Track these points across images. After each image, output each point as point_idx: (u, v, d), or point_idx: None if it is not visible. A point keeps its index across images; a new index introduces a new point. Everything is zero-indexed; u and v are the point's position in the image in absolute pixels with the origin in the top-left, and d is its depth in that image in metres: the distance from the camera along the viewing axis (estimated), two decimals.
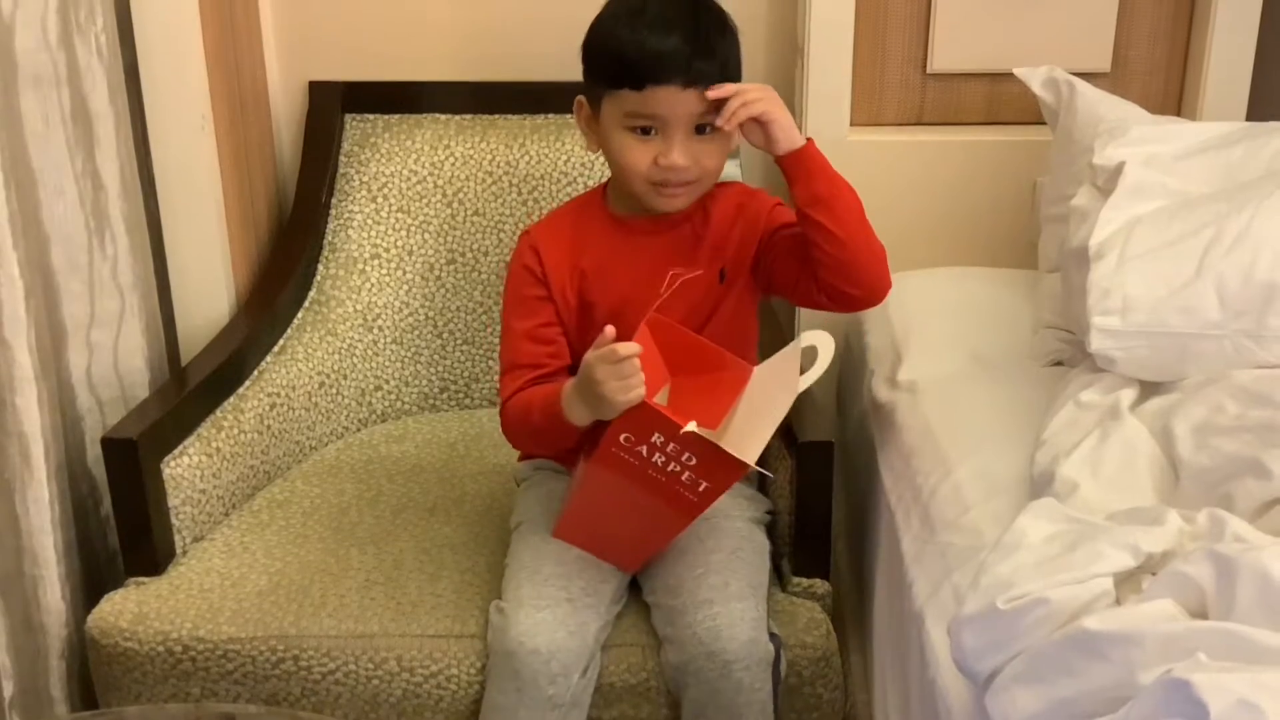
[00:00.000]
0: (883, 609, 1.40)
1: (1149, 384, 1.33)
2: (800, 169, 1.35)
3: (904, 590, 1.26)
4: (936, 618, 1.16)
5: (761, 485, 1.56)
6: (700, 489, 1.25)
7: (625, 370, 1.23)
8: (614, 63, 1.34)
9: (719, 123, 1.32)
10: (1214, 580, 0.93)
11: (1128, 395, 1.30)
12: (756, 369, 1.36)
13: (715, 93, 1.31)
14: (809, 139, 1.36)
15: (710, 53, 1.32)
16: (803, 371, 1.31)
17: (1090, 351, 1.33)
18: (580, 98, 1.41)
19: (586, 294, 1.43)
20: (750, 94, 1.31)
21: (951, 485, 1.32)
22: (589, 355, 1.25)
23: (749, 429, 1.28)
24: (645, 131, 1.35)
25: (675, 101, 1.32)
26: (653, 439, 1.23)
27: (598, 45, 1.37)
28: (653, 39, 1.31)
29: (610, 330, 1.25)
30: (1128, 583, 0.99)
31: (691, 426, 1.20)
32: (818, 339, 1.32)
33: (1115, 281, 1.32)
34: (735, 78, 1.36)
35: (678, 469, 1.24)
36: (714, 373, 1.34)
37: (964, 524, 1.25)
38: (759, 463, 1.26)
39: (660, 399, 1.28)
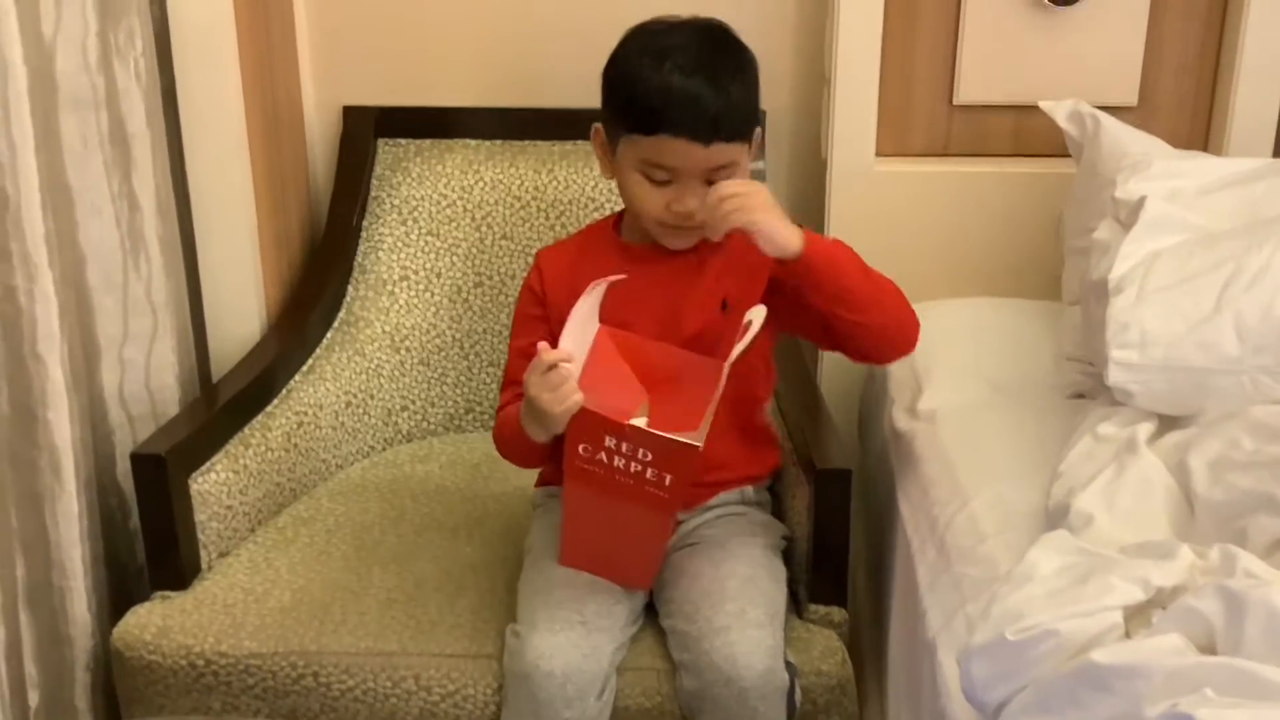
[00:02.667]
0: (898, 638, 1.40)
1: (1167, 418, 1.33)
2: (802, 274, 1.31)
3: (918, 619, 1.26)
4: (949, 647, 1.16)
5: (777, 510, 1.56)
6: (666, 482, 1.25)
7: (554, 380, 1.25)
8: (633, 108, 1.34)
9: (709, 237, 1.33)
10: (1223, 616, 0.94)
11: (1145, 429, 1.30)
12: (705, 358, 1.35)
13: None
14: (805, 235, 1.31)
15: (728, 107, 1.31)
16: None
17: (1108, 384, 1.33)
18: (597, 125, 1.42)
19: None
20: (732, 201, 1.28)
21: (968, 516, 1.32)
22: (524, 373, 1.28)
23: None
24: (660, 180, 1.35)
25: (691, 155, 1.31)
26: (606, 443, 1.24)
27: (618, 85, 1.37)
28: (673, 83, 1.30)
29: (543, 345, 1.27)
30: (1137, 616, 1.00)
31: (639, 422, 1.23)
32: (754, 314, 1.30)
33: (1134, 316, 1.33)
34: (751, 127, 1.36)
35: (640, 468, 1.25)
36: (688, 377, 1.34)
37: (979, 555, 1.25)
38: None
39: (641, 413, 1.29)
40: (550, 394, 1.26)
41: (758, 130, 1.41)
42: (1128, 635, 0.98)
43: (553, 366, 1.26)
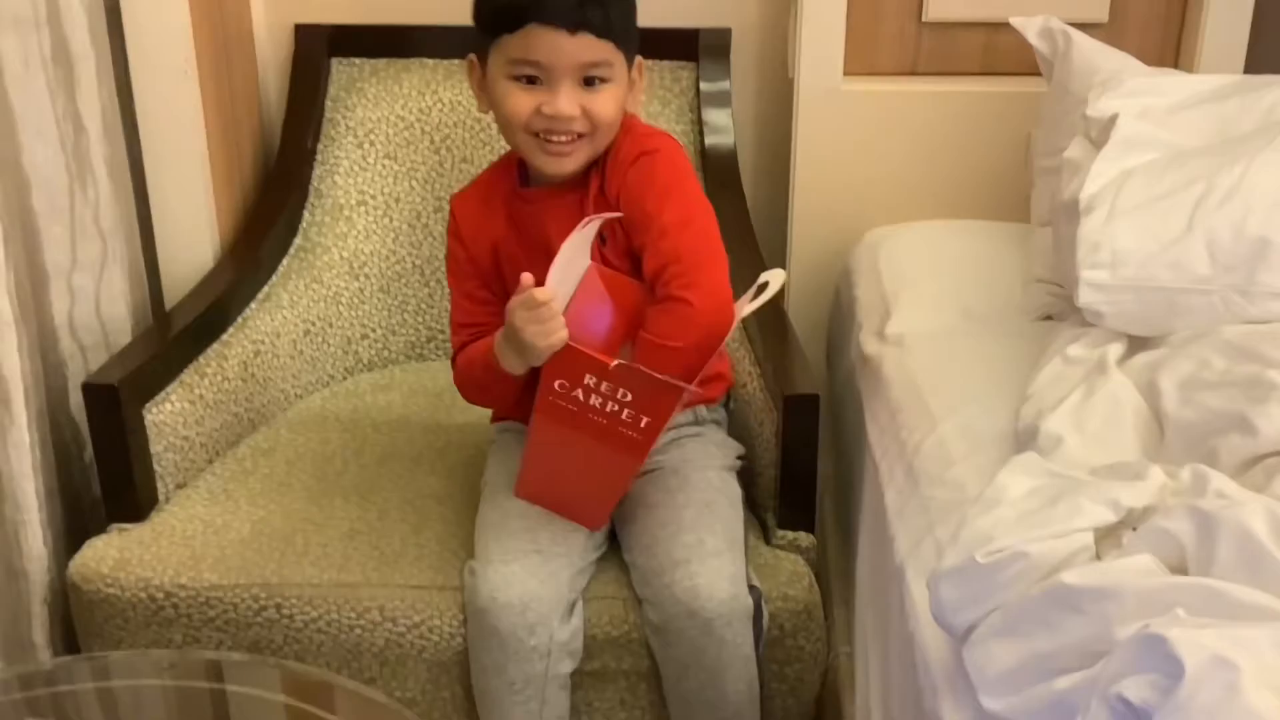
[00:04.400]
0: (865, 562, 1.40)
1: (1137, 339, 1.32)
2: None
3: (886, 544, 1.25)
4: (917, 572, 1.15)
5: (735, 429, 1.54)
6: (642, 424, 1.23)
7: (544, 315, 1.22)
8: (496, 6, 1.30)
9: None
10: (1194, 536, 0.93)
11: (1115, 350, 1.28)
12: None
13: None
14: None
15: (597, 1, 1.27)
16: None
17: (1078, 305, 1.31)
18: (472, 56, 1.37)
19: (502, 262, 1.41)
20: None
21: (936, 440, 1.31)
22: (511, 301, 1.24)
23: None
24: (531, 81, 1.30)
25: (559, 47, 1.27)
26: (585, 381, 1.22)
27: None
28: None
29: (528, 277, 1.23)
30: (1108, 538, 0.99)
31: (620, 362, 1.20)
32: (772, 275, 1.28)
33: (1105, 235, 1.31)
34: (624, 36, 1.31)
35: (616, 408, 1.23)
36: None
37: (947, 479, 1.24)
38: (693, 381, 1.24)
39: (624, 356, 1.26)
40: (538, 327, 1.22)
41: (639, 59, 1.36)
42: (1098, 557, 0.97)
43: (545, 302, 1.22)
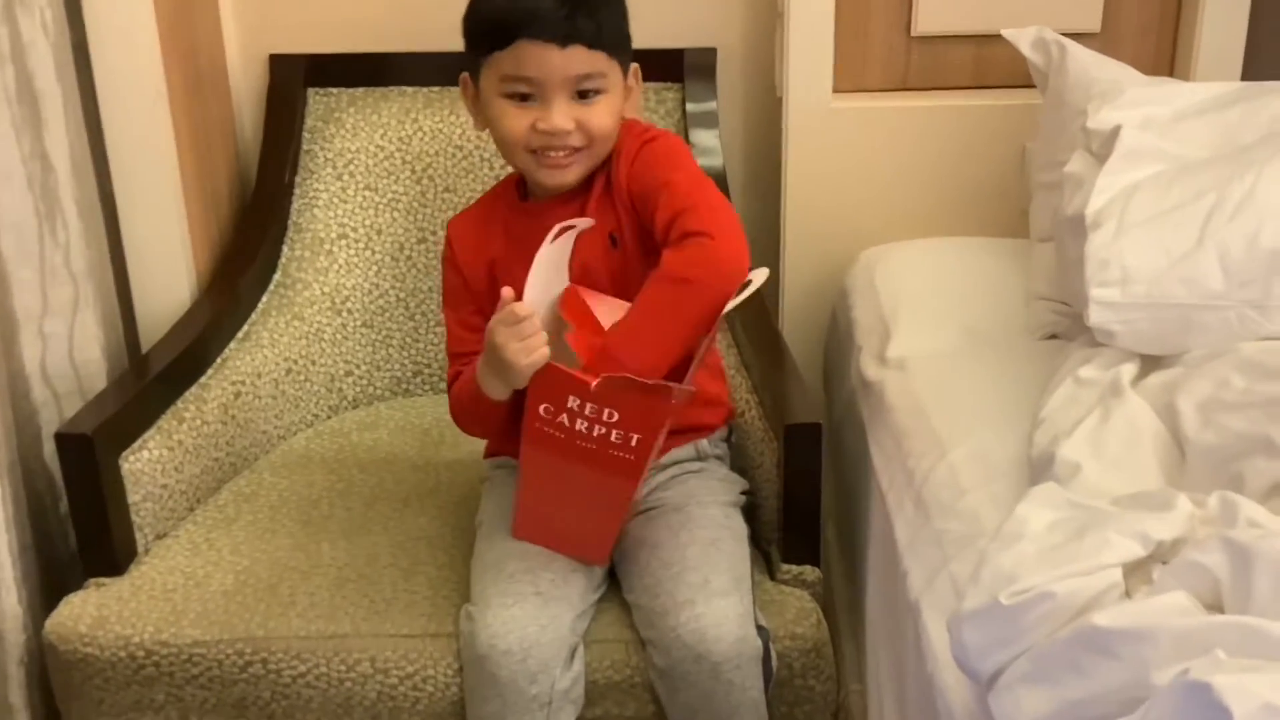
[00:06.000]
0: (876, 598, 1.34)
1: (1150, 358, 1.27)
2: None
3: (898, 579, 1.20)
4: (933, 609, 1.10)
5: (737, 462, 1.49)
6: (633, 443, 1.18)
7: (525, 330, 1.18)
8: (485, 24, 1.28)
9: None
10: (1229, 569, 0.88)
11: (1128, 370, 1.24)
12: None
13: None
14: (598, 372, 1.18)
15: (588, 10, 1.25)
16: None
17: (1089, 325, 1.27)
18: (464, 74, 1.35)
19: (498, 282, 1.36)
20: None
21: (946, 468, 1.26)
22: (491, 321, 1.21)
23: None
24: (524, 98, 1.28)
25: (549, 61, 1.25)
26: (569, 404, 1.17)
27: (472, 13, 1.31)
28: None
29: (508, 292, 1.20)
30: (1137, 573, 0.94)
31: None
32: (756, 274, 1.23)
33: (1113, 251, 1.26)
34: (617, 45, 1.29)
35: (604, 430, 1.18)
36: None
37: (960, 509, 1.19)
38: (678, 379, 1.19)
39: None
40: (519, 344, 1.18)
41: (634, 66, 1.34)
42: (1128, 594, 0.92)
43: (526, 318, 1.19)
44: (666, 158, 1.32)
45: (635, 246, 1.32)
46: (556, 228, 1.27)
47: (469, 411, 1.36)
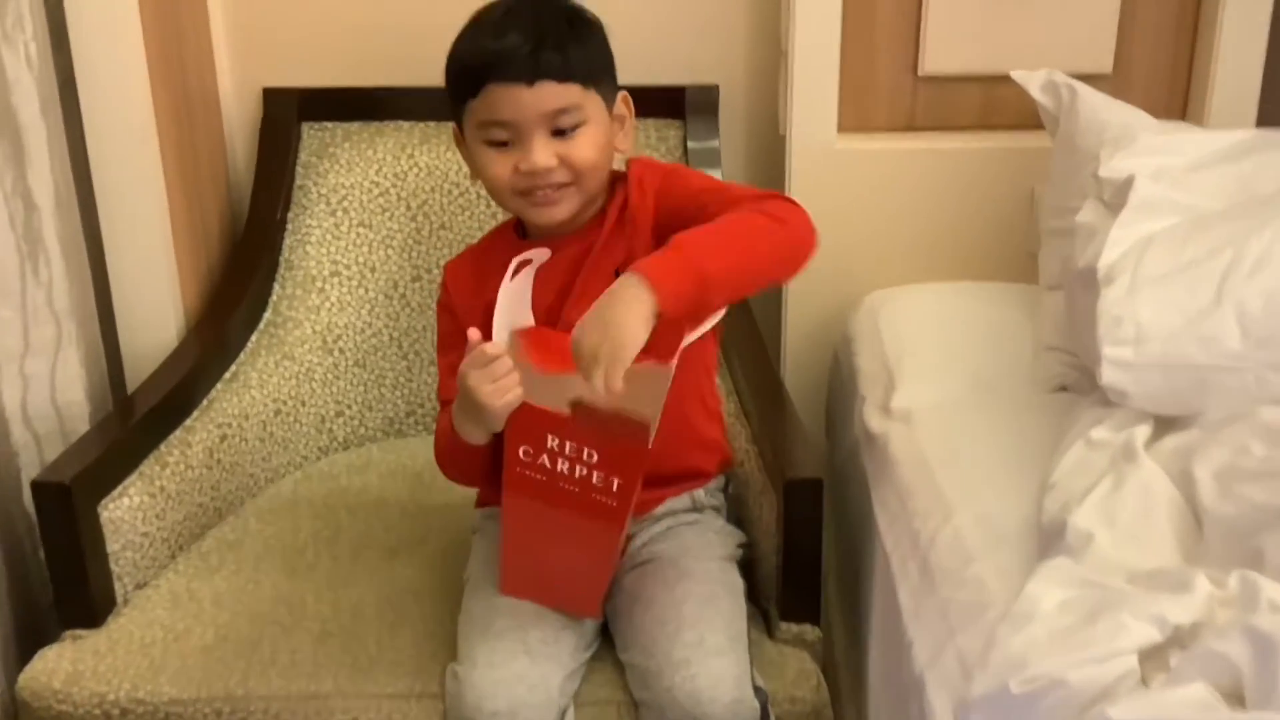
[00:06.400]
0: (879, 666, 1.30)
1: (1165, 419, 1.23)
2: (679, 321, 1.16)
3: (902, 650, 1.15)
4: (938, 685, 1.05)
5: (733, 519, 1.45)
6: (615, 488, 1.15)
7: (497, 371, 1.15)
8: (455, 73, 1.27)
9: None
10: (1251, 660, 0.84)
11: (1142, 433, 1.19)
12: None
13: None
14: (655, 298, 1.11)
15: (554, 45, 1.22)
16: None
17: (1101, 384, 1.23)
18: (454, 127, 1.33)
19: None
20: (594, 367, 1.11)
21: (952, 532, 1.22)
22: (462, 364, 1.17)
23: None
24: (504, 144, 1.26)
25: (519, 101, 1.22)
26: (549, 444, 1.14)
27: (447, 68, 1.29)
28: (486, 40, 1.24)
29: (474, 333, 1.17)
30: (1154, 658, 0.89)
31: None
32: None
33: (1127, 309, 1.22)
34: (590, 75, 1.26)
35: (585, 472, 1.15)
36: (632, 379, 1.20)
37: (967, 578, 1.14)
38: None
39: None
40: (492, 385, 1.15)
41: (622, 93, 1.31)
42: (1144, 682, 0.88)
43: (496, 358, 1.15)
44: (700, 175, 1.35)
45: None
46: (514, 262, 1.24)
47: (451, 458, 1.32)
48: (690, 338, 1.17)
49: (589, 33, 1.29)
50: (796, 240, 1.23)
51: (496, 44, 1.23)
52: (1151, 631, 0.88)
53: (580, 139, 1.25)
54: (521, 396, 1.15)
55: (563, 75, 1.23)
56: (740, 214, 1.20)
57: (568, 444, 1.14)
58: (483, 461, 1.27)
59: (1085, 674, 0.86)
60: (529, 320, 1.28)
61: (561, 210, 1.28)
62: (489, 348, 1.15)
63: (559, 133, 1.25)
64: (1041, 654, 0.88)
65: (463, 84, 1.26)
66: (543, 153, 1.24)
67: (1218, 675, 0.85)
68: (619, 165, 1.34)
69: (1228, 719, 0.80)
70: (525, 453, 1.16)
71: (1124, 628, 0.88)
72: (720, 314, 1.20)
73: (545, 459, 1.15)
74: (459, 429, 1.23)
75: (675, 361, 1.13)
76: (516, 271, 1.25)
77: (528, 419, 1.15)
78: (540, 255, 1.29)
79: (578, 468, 1.14)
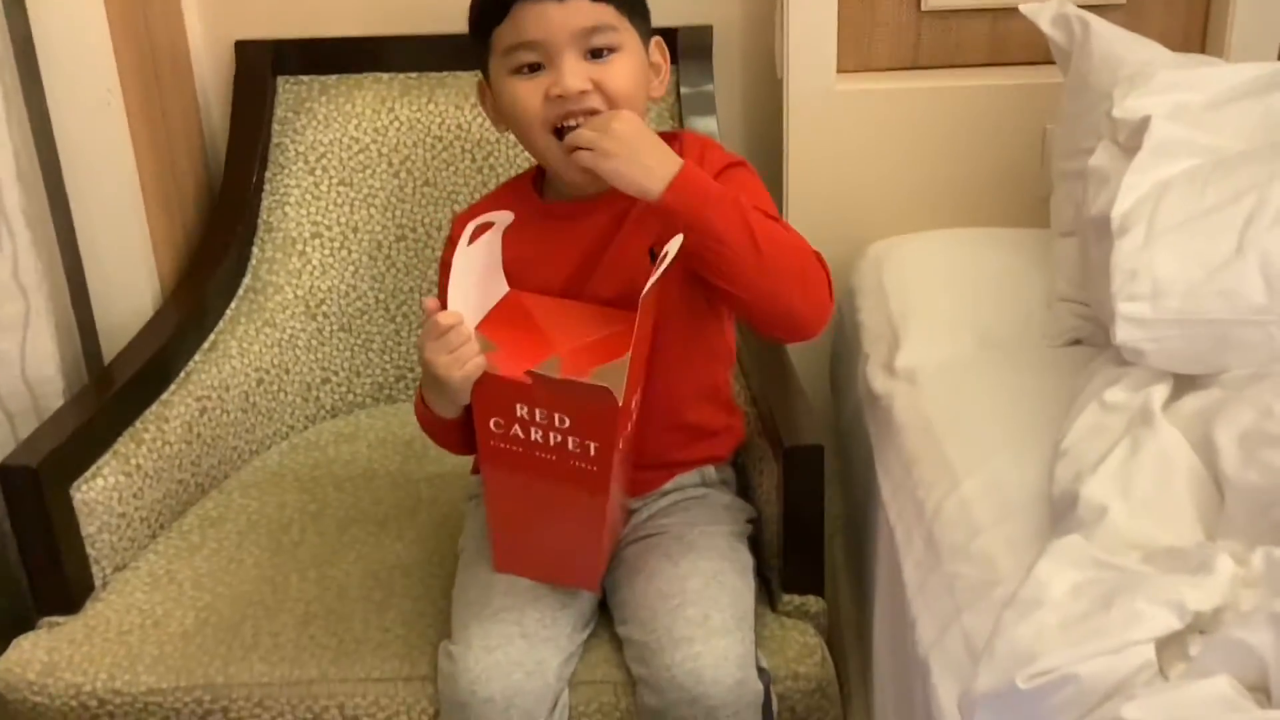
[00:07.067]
0: (884, 641, 1.24)
1: (1184, 377, 1.16)
2: (666, 221, 1.12)
3: (906, 628, 1.10)
4: (944, 669, 1.00)
5: (742, 490, 1.39)
6: (591, 452, 1.09)
7: (453, 341, 1.09)
8: (482, 3, 1.19)
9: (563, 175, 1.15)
10: (1276, 650, 0.77)
11: (1160, 393, 1.12)
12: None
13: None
14: (677, 180, 1.11)
15: None
16: None
17: (1115, 343, 1.15)
18: (479, 79, 1.25)
19: (518, 286, 1.25)
20: (582, 153, 1.13)
21: (958, 501, 1.15)
22: (419, 336, 1.12)
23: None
24: (533, 69, 1.17)
25: (549, 17, 1.14)
26: (518, 413, 1.09)
27: (471, 3, 1.21)
28: None
29: (429, 302, 1.11)
30: (1172, 645, 0.83)
31: (542, 368, 1.07)
32: (671, 244, 1.11)
33: (1143, 261, 1.15)
34: (625, 1, 1.18)
35: (560, 438, 1.09)
36: (610, 333, 1.15)
37: (973, 551, 1.08)
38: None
39: (551, 366, 1.11)
40: (448, 356, 1.09)
41: (656, 39, 1.24)
42: (1162, 673, 0.81)
43: (450, 328, 1.09)
44: (755, 191, 1.22)
45: (675, 268, 1.17)
46: (470, 227, 1.16)
47: (429, 431, 1.26)
48: (651, 280, 1.09)
49: None
50: (800, 316, 1.16)
51: None
52: (1170, 619, 0.82)
53: (615, 64, 1.17)
54: (482, 366, 1.10)
55: None
56: (794, 250, 1.14)
57: (537, 411, 1.08)
58: (460, 433, 1.21)
59: (1097, 667, 0.80)
60: (502, 288, 1.21)
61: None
62: (443, 317, 1.09)
63: (593, 55, 1.16)
64: (1051, 645, 0.82)
65: (487, 11, 1.18)
66: (574, 74, 1.15)
67: (1242, 667, 0.78)
68: (660, 126, 1.25)
69: (1251, 719, 0.73)
70: (496, 424, 1.11)
71: (1140, 616, 0.82)
72: (671, 259, 1.11)
73: (518, 429, 1.10)
74: (429, 403, 1.17)
75: (620, 389, 1.06)
76: (475, 236, 1.17)
77: (493, 389, 1.10)
78: (504, 218, 1.21)
79: (551, 435, 1.09)
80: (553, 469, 1.11)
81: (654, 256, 1.15)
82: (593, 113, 1.16)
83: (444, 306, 1.12)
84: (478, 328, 1.15)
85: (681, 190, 1.11)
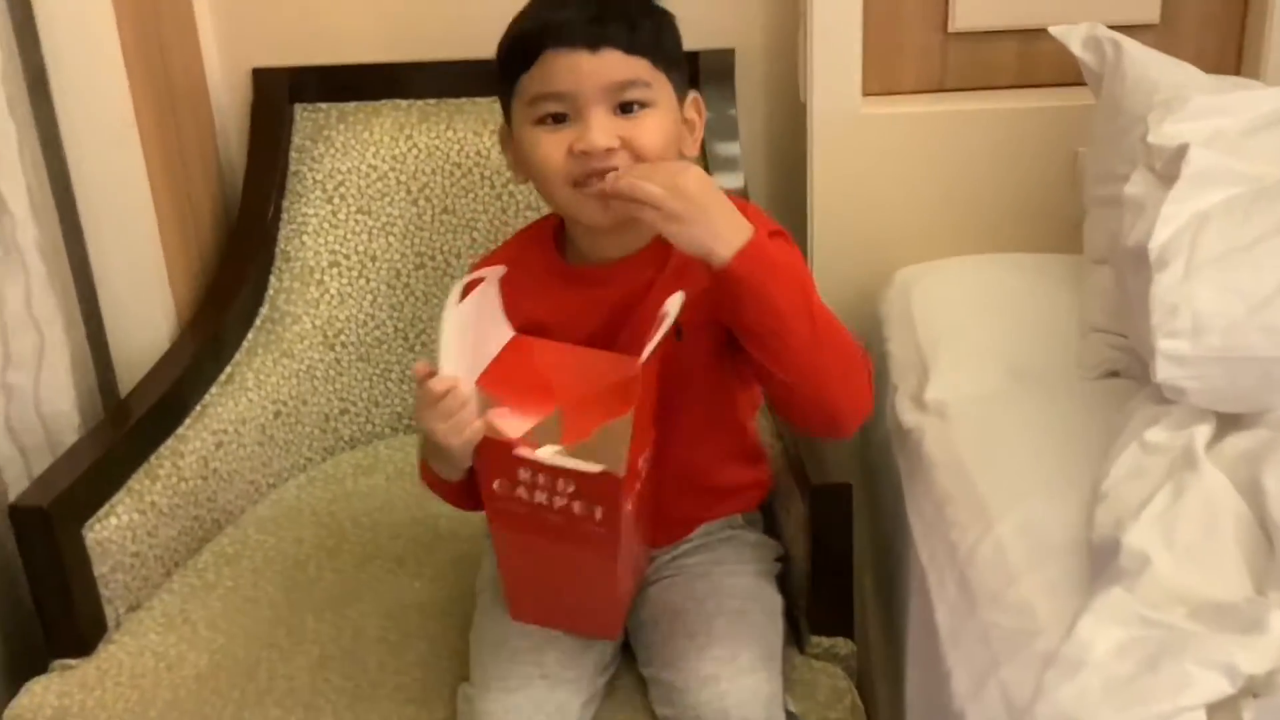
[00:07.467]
0: (917, 690, 1.20)
1: (1227, 416, 1.12)
2: (727, 290, 1.05)
3: (941, 679, 1.06)
4: None
5: (770, 528, 1.36)
6: (597, 517, 1.05)
7: (450, 406, 1.05)
8: (509, 45, 1.14)
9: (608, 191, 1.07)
10: None
11: (1203, 433, 1.08)
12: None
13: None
14: (748, 248, 1.03)
15: (622, 15, 1.09)
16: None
17: (1155, 381, 1.12)
18: (502, 123, 1.20)
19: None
20: (649, 212, 1.04)
21: (993, 544, 1.11)
22: (415, 403, 1.08)
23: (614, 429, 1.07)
24: (557, 120, 1.11)
25: (579, 69, 1.08)
26: (521, 476, 1.05)
27: (500, 50, 1.16)
28: (546, 10, 1.12)
29: (420, 366, 1.07)
30: (1223, 711, 0.79)
31: (541, 453, 1.04)
32: (670, 303, 1.07)
33: (1183, 295, 1.11)
34: (661, 55, 1.12)
35: (565, 502, 1.05)
36: (610, 379, 1.11)
37: (1010, 599, 1.04)
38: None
39: (552, 423, 1.08)
40: (445, 425, 1.06)
41: (694, 95, 1.18)
42: None
43: (445, 393, 1.05)
44: (805, 264, 1.17)
45: (703, 337, 1.14)
46: (457, 286, 1.11)
47: (438, 491, 1.21)
48: (650, 345, 1.05)
49: (661, 16, 1.16)
50: (863, 392, 1.12)
51: (556, 13, 1.10)
52: (1221, 682, 0.78)
53: (646, 120, 1.11)
54: (480, 431, 1.06)
55: (630, 46, 1.09)
56: (845, 346, 1.10)
57: (540, 475, 1.04)
58: (466, 493, 1.17)
59: None
60: (505, 334, 1.16)
61: (618, 207, 1.10)
62: (435, 384, 1.05)
63: (623, 110, 1.11)
64: (1095, 709, 0.78)
65: (515, 57, 1.12)
66: (602, 130, 1.09)
67: None
68: None
69: None
70: (499, 485, 1.07)
71: (1189, 680, 0.78)
72: (670, 321, 1.06)
73: (522, 491, 1.06)
74: (432, 464, 1.14)
75: (621, 465, 1.02)
76: (466, 293, 1.12)
77: (495, 453, 1.06)
78: (495, 273, 1.16)
79: (556, 498, 1.05)
80: (560, 530, 1.08)
81: (679, 331, 1.11)
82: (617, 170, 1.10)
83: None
84: (479, 381, 1.10)
85: (750, 258, 1.03)
